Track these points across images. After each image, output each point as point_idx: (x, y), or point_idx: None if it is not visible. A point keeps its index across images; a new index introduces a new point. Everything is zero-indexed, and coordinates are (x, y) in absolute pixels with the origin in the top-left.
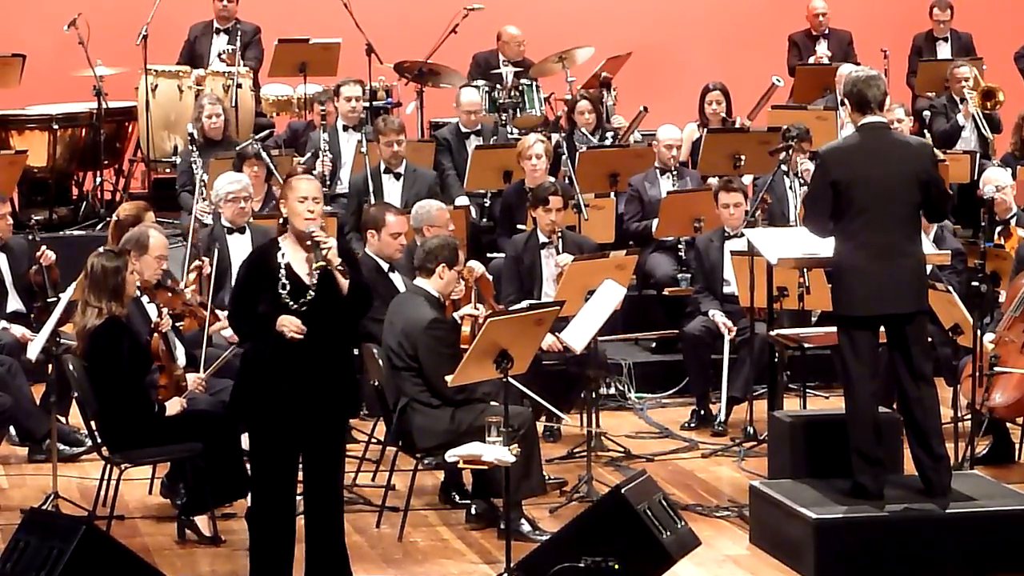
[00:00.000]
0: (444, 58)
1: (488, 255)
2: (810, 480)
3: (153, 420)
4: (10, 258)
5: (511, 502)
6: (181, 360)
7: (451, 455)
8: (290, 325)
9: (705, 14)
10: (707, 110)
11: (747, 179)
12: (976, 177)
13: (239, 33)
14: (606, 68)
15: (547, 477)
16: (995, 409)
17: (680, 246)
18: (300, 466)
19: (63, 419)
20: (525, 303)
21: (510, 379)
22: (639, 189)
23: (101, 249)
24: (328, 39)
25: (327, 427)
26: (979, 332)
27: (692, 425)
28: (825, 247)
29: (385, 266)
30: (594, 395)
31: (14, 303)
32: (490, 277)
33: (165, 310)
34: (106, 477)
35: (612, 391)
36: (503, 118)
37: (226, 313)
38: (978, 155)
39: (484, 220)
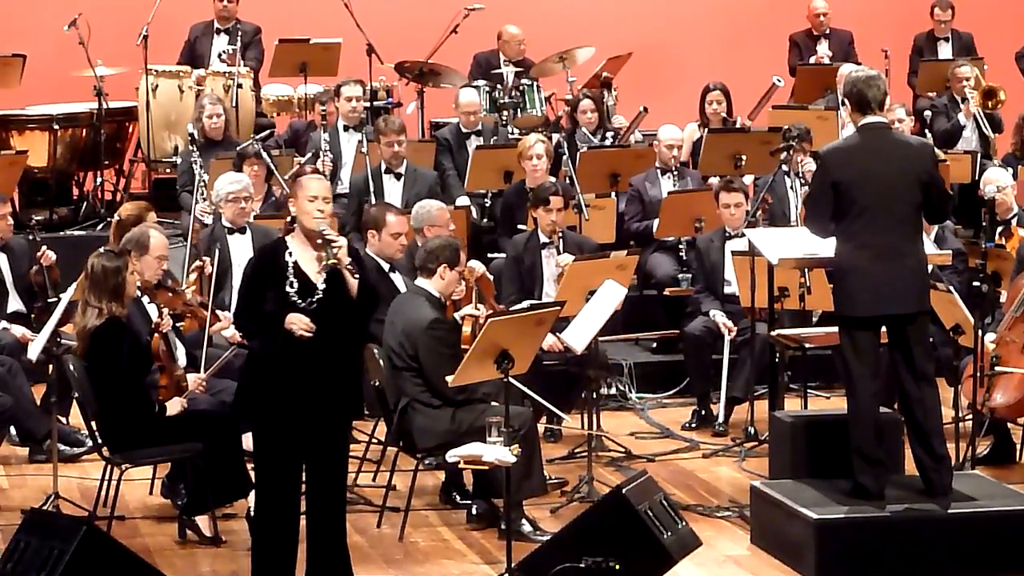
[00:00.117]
0: (445, 58)
1: (489, 255)
2: (811, 480)
3: (153, 420)
4: (10, 258)
5: (512, 502)
6: (181, 360)
7: (452, 455)
8: (300, 323)
9: (706, 14)
10: (707, 110)
11: (748, 179)
12: (977, 177)
13: (239, 33)
14: (607, 68)
15: (548, 477)
16: (996, 409)
17: (681, 246)
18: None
19: (63, 419)
20: (526, 303)
21: (511, 379)
22: (640, 189)
23: (102, 249)
24: (329, 39)
25: (332, 427)
26: (980, 332)
27: (693, 425)
28: (826, 247)
29: (386, 266)
30: (595, 395)
31: (14, 303)
32: (491, 277)
33: (165, 310)
34: (106, 477)
35: (613, 391)
36: (503, 118)
37: (226, 313)
38: (979, 155)
39: (485, 220)
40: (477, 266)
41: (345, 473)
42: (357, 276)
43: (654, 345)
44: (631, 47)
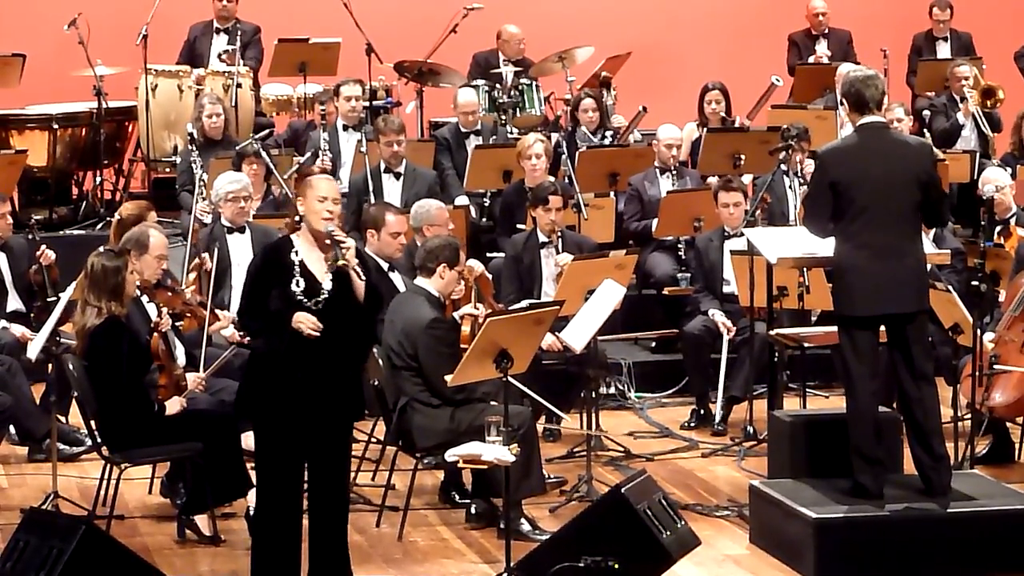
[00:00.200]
0: (444, 58)
1: (488, 255)
2: (810, 480)
3: (153, 420)
4: (10, 258)
5: (511, 502)
6: (181, 360)
7: (451, 455)
8: (308, 322)
9: (705, 14)
10: (706, 110)
11: (747, 179)
12: (976, 177)
13: (239, 33)
14: (606, 68)
15: (547, 476)
16: (995, 408)
17: (680, 246)
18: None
19: (63, 419)
20: (525, 303)
21: (510, 379)
22: (639, 189)
23: (101, 248)
24: (328, 39)
25: (335, 427)
26: (979, 332)
27: (692, 425)
28: (825, 247)
29: (385, 265)
30: (594, 395)
31: (14, 303)
32: (490, 276)
33: (165, 310)
34: (106, 477)
35: (612, 391)
36: (503, 118)
37: (226, 313)
38: (978, 154)
39: (484, 220)
40: (476, 265)
41: (348, 473)
42: (363, 278)
43: (653, 344)
44: (630, 47)
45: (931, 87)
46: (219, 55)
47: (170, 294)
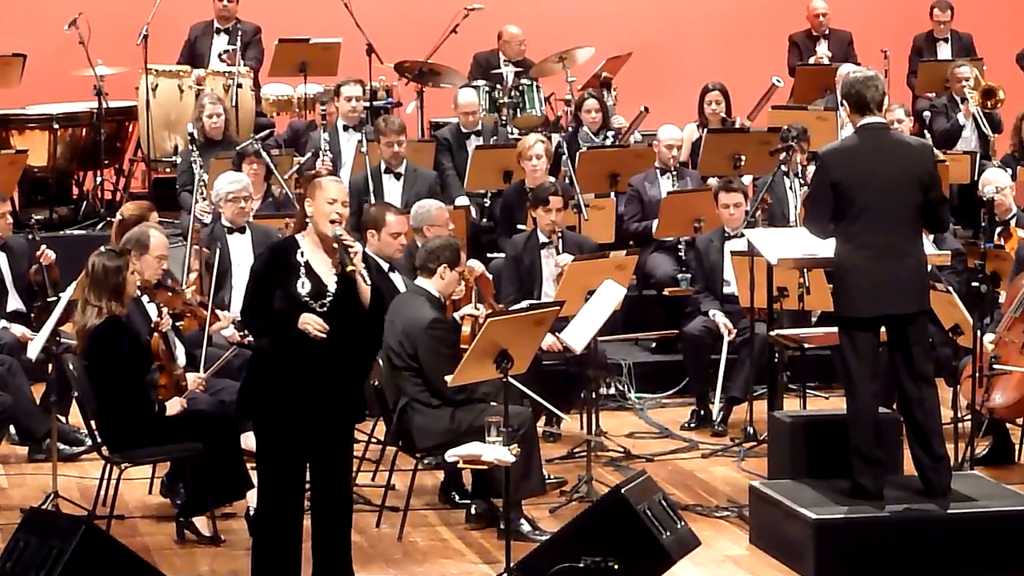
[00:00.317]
0: (444, 58)
1: (488, 255)
2: (810, 480)
3: (153, 420)
4: (10, 257)
5: (511, 502)
6: (181, 360)
7: (451, 455)
8: (314, 324)
9: (705, 14)
10: (706, 110)
11: (747, 179)
12: (976, 177)
13: (239, 33)
14: (606, 68)
15: (547, 477)
16: (995, 410)
17: (680, 246)
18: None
19: (63, 418)
20: (525, 303)
21: (510, 379)
22: (639, 189)
23: (102, 248)
24: (328, 39)
25: (336, 429)
26: (979, 333)
27: (692, 425)
28: (825, 247)
29: (385, 266)
30: (594, 395)
31: (14, 302)
32: (490, 277)
33: (165, 310)
34: (106, 477)
35: (612, 391)
36: (503, 118)
37: (226, 313)
38: (978, 155)
39: (484, 220)
40: (476, 266)
41: (350, 474)
42: (369, 283)
43: (653, 345)
44: (631, 47)
45: (932, 88)
46: (219, 55)
47: (170, 294)
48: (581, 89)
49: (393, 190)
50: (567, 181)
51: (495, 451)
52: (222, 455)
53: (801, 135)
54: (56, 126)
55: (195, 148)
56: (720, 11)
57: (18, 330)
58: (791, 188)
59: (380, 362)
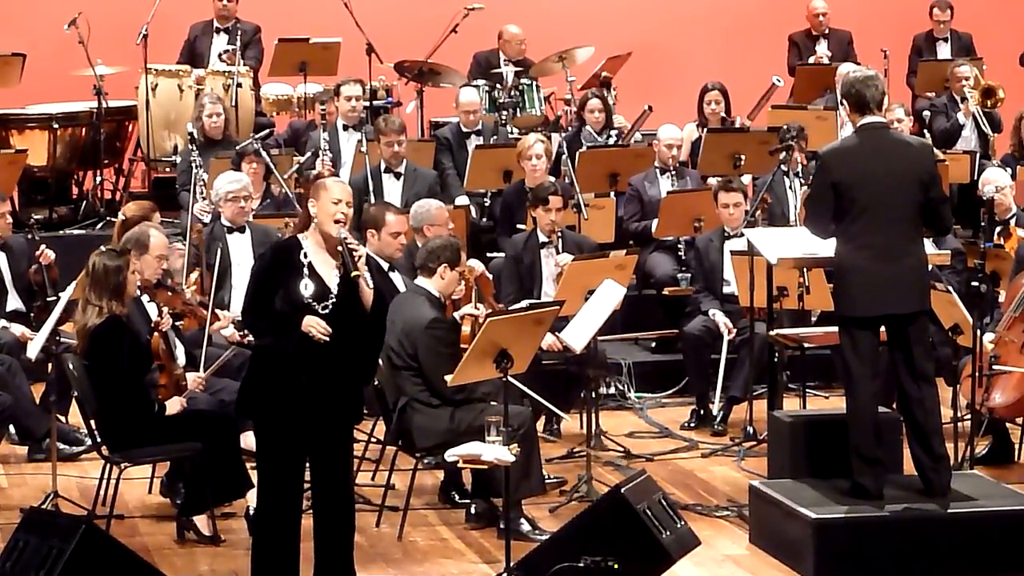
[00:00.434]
0: (444, 57)
1: (488, 255)
2: (810, 480)
3: (153, 419)
4: (10, 257)
5: (511, 502)
6: (181, 359)
7: (451, 455)
8: (318, 327)
9: (705, 14)
10: (706, 110)
11: (747, 179)
12: (976, 177)
13: (239, 32)
14: (606, 68)
15: (547, 477)
16: (995, 409)
17: (680, 246)
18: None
19: (63, 418)
20: (525, 303)
21: (510, 379)
22: (639, 189)
23: (102, 248)
24: (328, 38)
25: (335, 430)
26: (979, 332)
27: (692, 425)
28: (825, 247)
29: (385, 266)
30: (594, 395)
31: (14, 302)
32: (490, 276)
33: (165, 309)
34: (106, 476)
35: (612, 391)
36: (503, 117)
37: (226, 312)
38: (978, 155)
39: (484, 220)
40: (476, 265)
41: (351, 473)
42: (371, 286)
43: (653, 345)
44: (630, 47)
45: (931, 88)
46: (219, 55)
47: (170, 294)
48: (581, 89)
49: (393, 190)
50: (567, 181)
51: (495, 451)
52: (222, 455)
53: (799, 134)
54: (56, 126)
55: (195, 148)
56: (720, 11)
57: (18, 330)
58: (791, 188)
59: (380, 362)
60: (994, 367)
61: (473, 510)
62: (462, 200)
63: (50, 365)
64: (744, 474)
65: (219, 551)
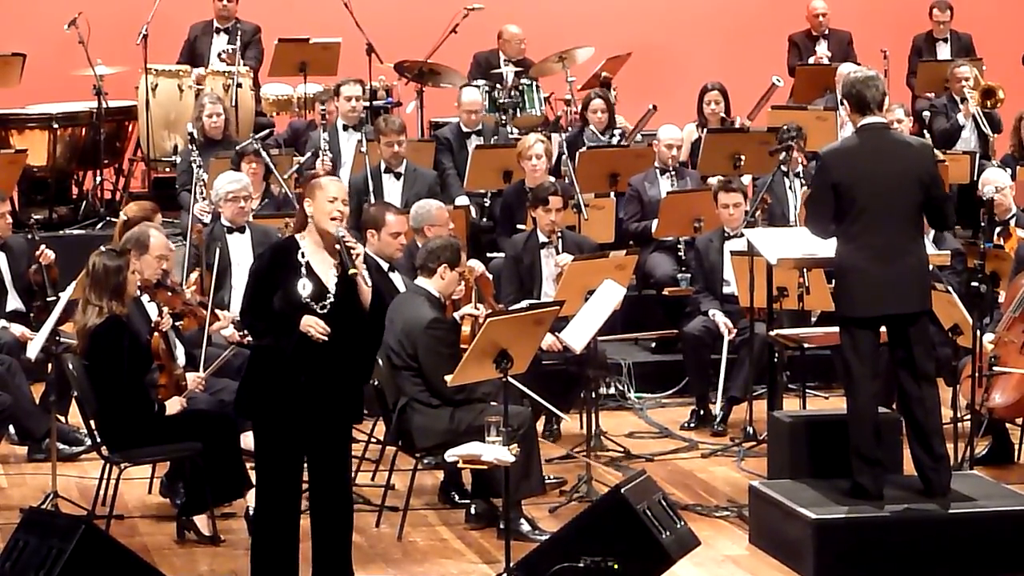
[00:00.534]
0: (444, 58)
1: (488, 255)
2: (809, 480)
3: (153, 419)
4: (9, 257)
5: (510, 502)
6: (181, 359)
7: (450, 455)
8: (317, 327)
9: (705, 14)
10: (705, 110)
11: (747, 179)
12: (976, 178)
13: (239, 32)
14: (606, 68)
15: (546, 477)
16: (995, 409)
17: (680, 246)
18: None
19: (63, 418)
20: (525, 303)
21: (510, 379)
22: (639, 189)
23: (102, 248)
24: (328, 39)
25: (334, 430)
26: (979, 332)
27: (692, 425)
28: (825, 247)
29: (385, 266)
30: (594, 395)
31: (13, 302)
32: (490, 277)
33: (165, 309)
34: (105, 476)
35: (612, 391)
36: (503, 118)
37: (226, 313)
38: (978, 155)
39: (484, 220)
40: (476, 265)
41: (349, 473)
42: (370, 284)
43: (653, 345)
44: (630, 47)
45: (931, 88)
46: (219, 55)
47: (170, 294)
48: (581, 89)
49: (393, 190)
50: (567, 181)
51: (495, 451)
52: (222, 455)
53: (798, 134)
54: (56, 126)
55: (195, 148)
56: (720, 11)
57: (17, 330)
58: (790, 188)
59: (380, 362)
60: (994, 367)
61: (473, 510)
62: (462, 200)
63: (50, 365)
64: (744, 474)
65: (219, 551)
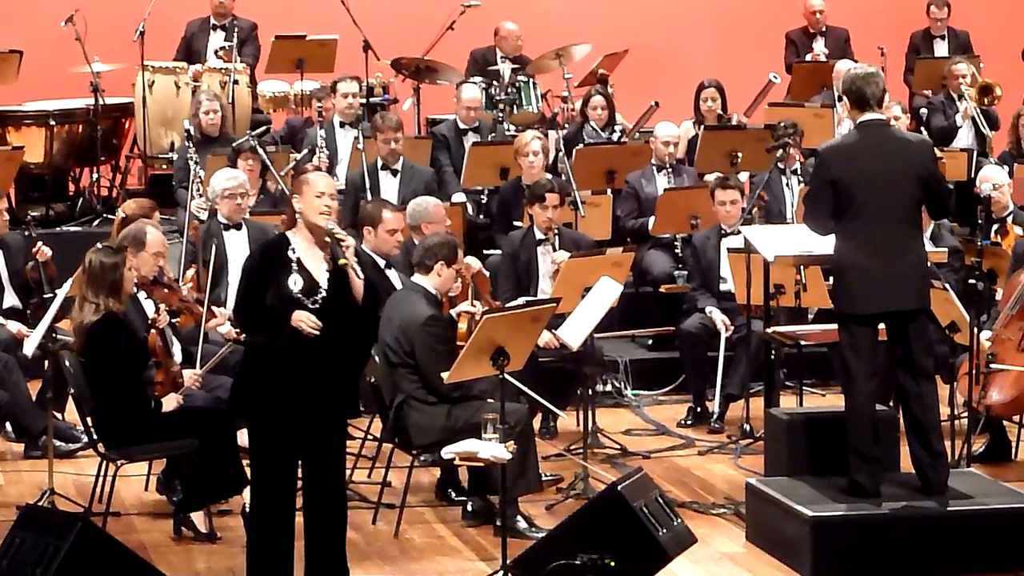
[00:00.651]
0: (441, 55)
1: (485, 252)
2: (806, 478)
3: (149, 416)
4: (6, 254)
5: (507, 499)
6: (177, 356)
7: (447, 452)
8: (308, 321)
9: (702, 11)
10: (702, 107)
11: (743, 176)
12: (973, 175)
13: (236, 29)
14: (603, 65)
15: (543, 474)
16: (992, 407)
17: (677, 243)
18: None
19: (59, 415)
20: (521, 300)
21: (506, 376)
22: (636, 186)
23: (99, 245)
24: (325, 35)
25: (329, 425)
26: (976, 330)
27: (688, 422)
28: (822, 244)
29: (382, 263)
30: (590, 392)
31: (10, 299)
32: (487, 274)
33: (162, 306)
34: (102, 473)
35: (608, 388)
36: (500, 114)
37: (222, 310)
38: (975, 153)
39: (481, 217)
40: (473, 263)
41: (343, 470)
42: (361, 277)
43: (650, 342)
44: (627, 44)
45: (928, 85)
46: (216, 52)
47: (167, 291)
48: (579, 86)
49: (390, 187)
50: (564, 178)
51: (491, 448)
52: (219, 452)
53: (794, 130)
54: (52, 123)
55: (191, 145)
56: (716, 8)
57: (14, 327)
58: (787, 185)
59: (376, 359)
60: (991, 365)
61: (470, 507)
62: (459, 197)
63: (47, 362)
64: (741, 472)
65: (216, 548)
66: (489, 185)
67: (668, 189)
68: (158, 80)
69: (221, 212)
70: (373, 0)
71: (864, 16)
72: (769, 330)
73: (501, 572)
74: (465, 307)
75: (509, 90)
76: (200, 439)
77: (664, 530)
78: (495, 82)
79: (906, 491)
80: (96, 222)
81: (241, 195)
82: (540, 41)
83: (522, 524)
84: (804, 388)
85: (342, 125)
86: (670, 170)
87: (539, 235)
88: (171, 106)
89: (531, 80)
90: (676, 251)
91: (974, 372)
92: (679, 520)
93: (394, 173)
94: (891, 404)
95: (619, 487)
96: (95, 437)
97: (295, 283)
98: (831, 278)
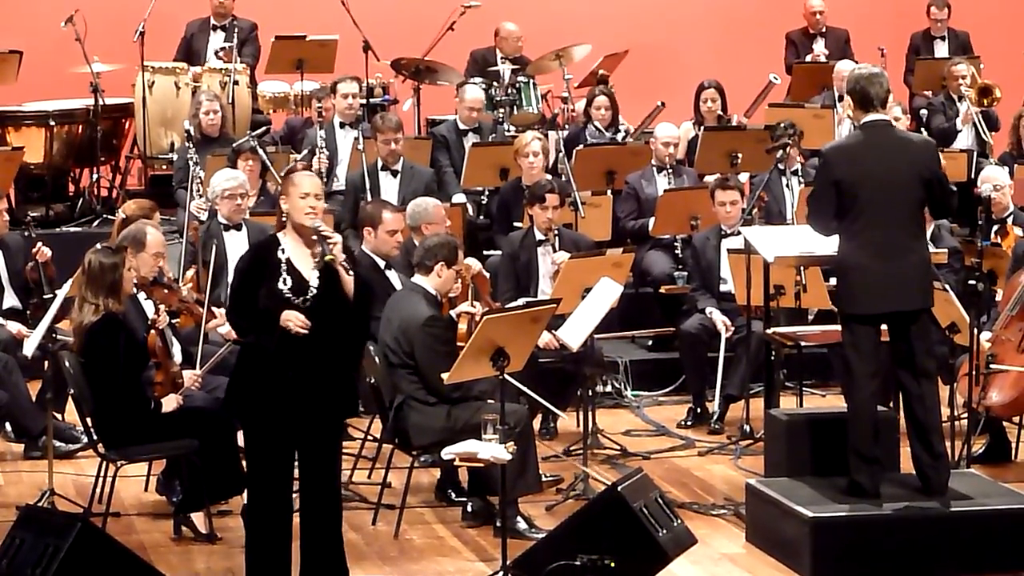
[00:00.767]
0: (441, 55)
1: (485, 252)
2: (806, 478)
3: (149, 417)
4: (6, 255)
5: (507, 500)
6: (177, 357)
7: (447, 452)
8: (296, 320)
9: (702, 12)
10: (702, 108)
11: (744, 177)
12: (973, 176)
13: (236, 30)
14: (603, 66)
15: (543, 475)
16: (992, 408)
17: (677, 244)
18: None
19: (59, 416)
20: (521, 301)
21: (506, 377)
22: (636, 187)
23: (99, 245)
24: (325, 36)
25: (325, 425)
26: (976, 330)
27: (688, 423)
28: (822, 245)
29: (381, 263)
30: (590, 393)
31: (10, 300)
32: (487, 274)
33: (162, 307)
34: (102, 474)
35: (608, 389)
36: (500, 115)
37: (222, 310)
38: (975, 153)
39: (481, 217)
40: (473, 263)
41: (338, 470)
42: (351, 273)
43: (650, 343)
44: (627, 45)
45: (928, 86)
46: (216, 52)
47: (167, 291)
48: (579, 87)
49: (390, 187)
50: (564, 179)
51: (491, 449)
52: (218, 452)
53: (794, 130)
54: (52, 123)
55: (191, 145)
56: (717, 8)
57: (14, 327)
58: (787, 186)
59: (377, 359)
60: (991, 366)
61: (469, 508)
62: (459, 198)
63: (46, 362)
64: (741, 472)
65: (215, 549)
66: (489, 186)
67: (668, 190)
68: (158, 80)
69: (221, 212)
70: (373, 0)
71: (864, 17)
72: (769, 331)
73: (501, 573)
74: (465, 308)
75: (509, 91)
76: (200, 440)
77: (664, 531)
78: (495, 83)
79: (906, 492)
80: (96, 223)
81: (241, 195)
82: (540, 42)
83: (522, 525)
84: (804, 389)
85: (342, 126)
86: (670, 171)
87: (539, 236)
88: (171, 106)
89: (531, 81)
90: (676, 252)
91: (974, 373)
92: (679, 521)
93: (394, 174)
94: (890, 405)
95: (619, 488)
96: (95, 437)
97: (284, 283)
98: (831, 279)
